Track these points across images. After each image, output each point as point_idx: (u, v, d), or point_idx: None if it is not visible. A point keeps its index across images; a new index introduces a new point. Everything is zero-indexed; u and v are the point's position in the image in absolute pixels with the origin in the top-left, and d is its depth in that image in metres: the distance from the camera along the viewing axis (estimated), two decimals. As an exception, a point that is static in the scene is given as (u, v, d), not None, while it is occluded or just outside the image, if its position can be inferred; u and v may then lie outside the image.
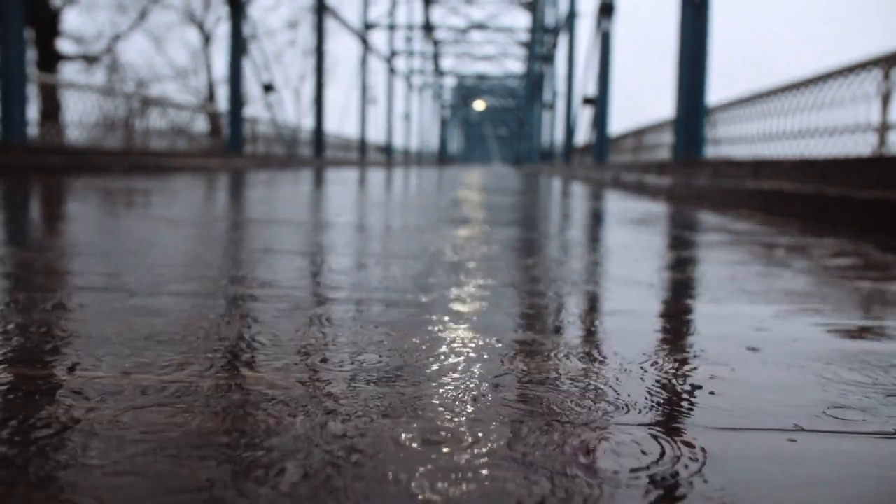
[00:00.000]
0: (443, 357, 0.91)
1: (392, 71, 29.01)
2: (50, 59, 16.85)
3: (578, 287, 1.48)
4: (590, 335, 1.07)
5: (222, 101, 19.84)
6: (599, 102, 11.66)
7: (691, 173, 5.50)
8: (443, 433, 0.65)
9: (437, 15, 34.19)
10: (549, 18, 23.47)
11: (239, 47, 12.73)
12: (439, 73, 44.47)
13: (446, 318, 1.13)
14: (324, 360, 0.88)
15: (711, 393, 0.80)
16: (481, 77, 46.40)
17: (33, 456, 0.58)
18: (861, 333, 1.13)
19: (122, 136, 9.82)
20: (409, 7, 30.32)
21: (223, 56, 15.61)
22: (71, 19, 56.05)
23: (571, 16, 16.76)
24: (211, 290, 1.33)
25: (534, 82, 29.62)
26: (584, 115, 13.00)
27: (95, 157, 8.14)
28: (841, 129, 4.36)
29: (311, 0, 17.82)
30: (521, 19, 55.89)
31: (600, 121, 11.67)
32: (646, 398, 0.77)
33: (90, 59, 20.04)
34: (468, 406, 0.73)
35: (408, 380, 0.81)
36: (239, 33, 12.71)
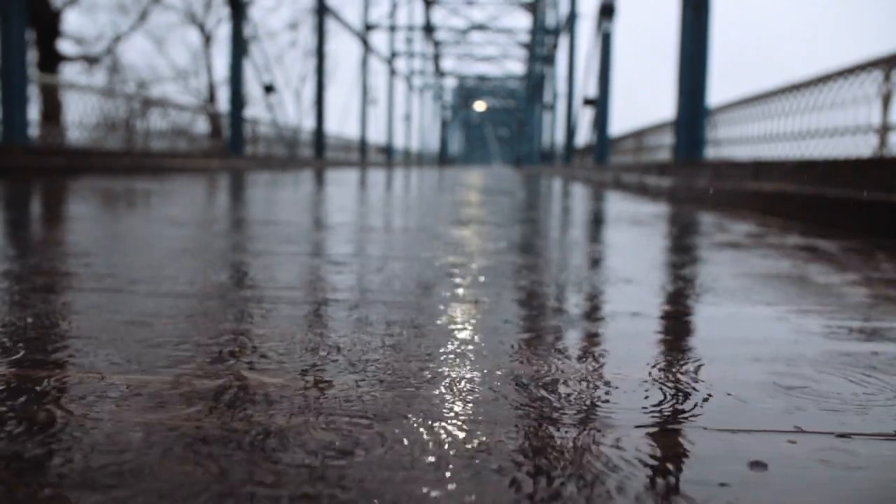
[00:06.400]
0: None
1: (393, 72, 29.01)
2: (51, 60, 16.87)
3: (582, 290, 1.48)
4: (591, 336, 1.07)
5: (223, 103, 19.87)
6: (600, 103, 11.66)
7: (692, 174, 5.50)
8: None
9: (438, 16, 34.21)
10: (550, 20, 23.48)
11: (240, 48, 12.74)
12: (440, 74, 44.49)
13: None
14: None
15: (710, 394, 0.80)
16: (482, 78, 46.41)
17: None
18: (865, 335, 1.13)
19: (123, 137, 9.83)
20: (410, 8, 30.35)
21: (224, 57, 15.65)
22: (72, 20, 56.03)
23: (572, 17, 16.77)
24: (213, 290, 1.33)
25: (534, 83, 29.62)
26: (585, 117, 13.01)
27: (96, 159, 8.14)
28: (841, 130, 4.36)
29: (312, 1, 17.83)
30: (522, 20, 55.90)
31: (601, 122, 11.67)
32: (646, 399, 0.77)
33: (91, 60, 20.07)
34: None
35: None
36: (240, 34, 12.72)
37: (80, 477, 0.55)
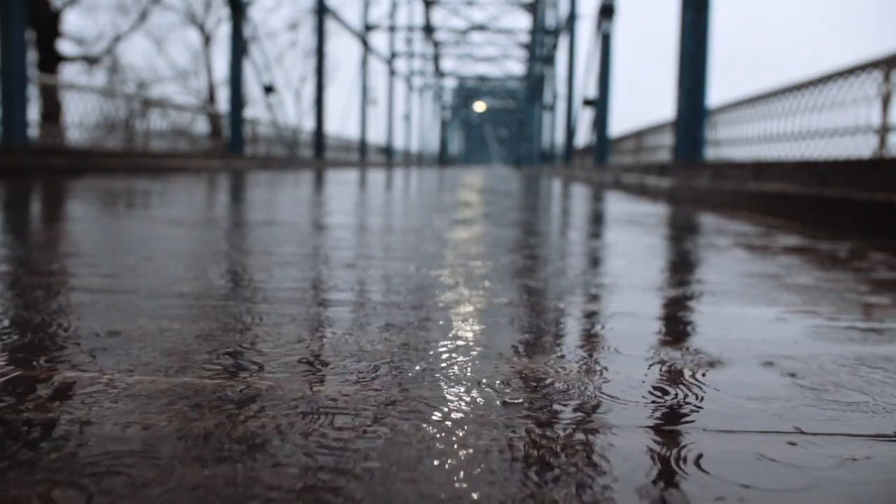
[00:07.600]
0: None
1: (392, 72, 29.02)
2: (51, 61, 16.85)
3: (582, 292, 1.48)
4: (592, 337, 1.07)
5: (223, 103, 19.87)
6: (600, 104, 11.66)
7: (692, 175, 5.50)
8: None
9: (438, 16, 34.26)
10: (550, 20, 23.49)
11: (240, 49, 12.74)
12: (440, 74, 44.47)
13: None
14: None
15: (712, 392, 0.80)
16: (482, 78, 46.37)
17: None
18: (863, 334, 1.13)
19: (123, 137, 9.83)
20: (410, 8, 30.34)
21: (224, 57, 15.65)
22: (72, 20, 56.04)
23: (572, 17, 16.78)
24: (214, 291, 1.33)
25: (534, 84, 29.64)
26: (585, 117, 13.02)
27: (96, 159, 8.15)
28: (841, 130, 4.36)
29: (312, 1, 17.83)
30: (522, 21, 55.97)
31: (601, 122, 11.67)
32: (645, 399, 0.77)
33: (91, 61, 20.05)
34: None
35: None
36: (240, 35, 12.72)
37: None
